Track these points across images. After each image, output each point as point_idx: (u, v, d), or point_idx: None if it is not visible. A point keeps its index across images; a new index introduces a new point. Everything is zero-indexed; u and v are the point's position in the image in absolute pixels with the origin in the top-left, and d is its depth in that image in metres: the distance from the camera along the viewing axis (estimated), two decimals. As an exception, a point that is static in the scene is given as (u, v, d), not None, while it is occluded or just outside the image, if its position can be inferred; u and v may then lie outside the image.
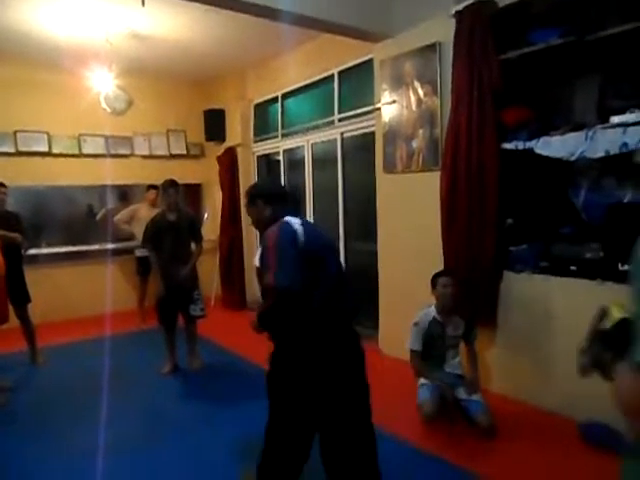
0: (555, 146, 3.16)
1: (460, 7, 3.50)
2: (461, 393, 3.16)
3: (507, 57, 3.39)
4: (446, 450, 2.83)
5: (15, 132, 5.87)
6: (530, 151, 3.29)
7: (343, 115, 5.11)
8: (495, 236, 3.45)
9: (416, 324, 3.29)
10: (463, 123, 3.48)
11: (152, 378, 4.17)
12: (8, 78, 5.76)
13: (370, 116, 4.64)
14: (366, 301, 4.61)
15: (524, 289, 3.41)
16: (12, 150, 5.84)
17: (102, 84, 5.49)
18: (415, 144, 4.06)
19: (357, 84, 4.99)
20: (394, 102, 4.22)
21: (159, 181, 6.35)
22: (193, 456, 2.87)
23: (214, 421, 3.33)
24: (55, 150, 6.13)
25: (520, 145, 3.34)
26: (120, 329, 5.52)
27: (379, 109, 4.39)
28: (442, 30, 3.72)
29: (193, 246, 4.35)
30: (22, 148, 5.90)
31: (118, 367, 4.24)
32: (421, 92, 3.97)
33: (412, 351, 3.29)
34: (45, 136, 6.06)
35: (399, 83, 4.16)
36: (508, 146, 3.42)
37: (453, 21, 3.56)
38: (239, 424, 3.21)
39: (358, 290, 4.33)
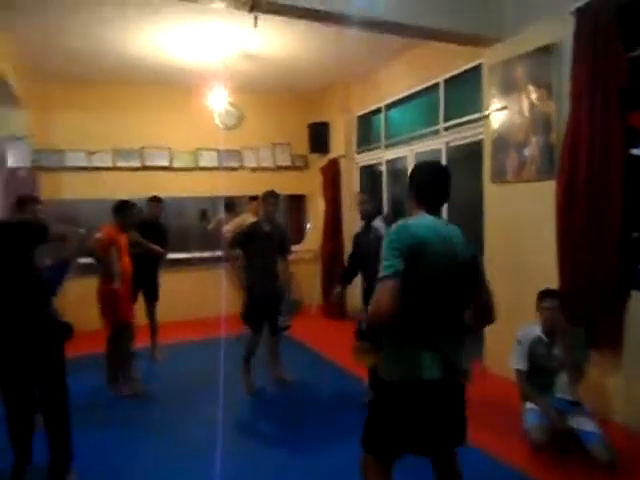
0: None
1: (581, 3, 3.25)
2: (574, 422, 2.88)
3: (638, 54, 3.07)
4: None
5: (141, 148, 6.48)
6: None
7: (449, 124, 4.96)
8: (619, 252, 3.12)
9: (519, 342, 3.09)
10: (584, 128, 3.21)
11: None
12: (136, 100, 6.40)
13: (477, 124, 4.46)
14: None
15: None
16: (139, 164, 6.45)
17: (217, 102, 5.88)
18: (527, 152, 3.82)
19: (463, 92, 4.83)
20: (505, 108, 4.01)
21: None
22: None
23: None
24: (175, 164, 6.66)
25: (652, 151, 3.00)
26: (231, 331, 5.80)
27: (488, 116, 4.20)
28: (558, 30, 3.48)
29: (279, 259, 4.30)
30: (147, 163, 6.50)
31: (227, 368, 4.43)
32: (534, 97, 3.73)
33: (517, 370, 3.08)
34: (167, 152, 6.61)
35: (510, 88, 3.95)
36: (637, 152, 3.09)
37: (571, 19, 3.31)
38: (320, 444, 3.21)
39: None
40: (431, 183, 1.93)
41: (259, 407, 3.90)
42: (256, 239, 4.09)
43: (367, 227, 3.82)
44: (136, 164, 6.45)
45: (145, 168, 6.47)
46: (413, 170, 2.02)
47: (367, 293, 4.12)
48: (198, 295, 6.54)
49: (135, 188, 5.88)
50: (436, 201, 1.93)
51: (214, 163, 6.84)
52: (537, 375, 3.05)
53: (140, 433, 3.40)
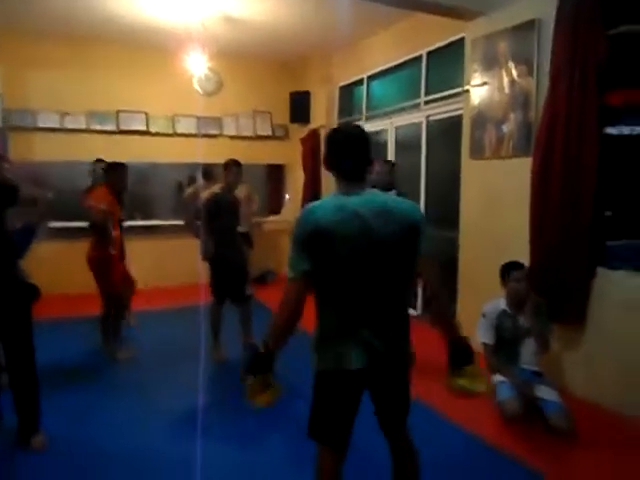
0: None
1: (565, -21, 3.23)
2: (538, 391, 2.97)
3: (618, 32, 3.08)
4: (523, 452, 2.68)
5: (117, 112, 6.30)
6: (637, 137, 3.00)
7: (430, 98, 4.94)
8: (590, 229, 3.19)
9: (484, 315, 3.14)
10: (561, 105, 3.23)
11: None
12: (111, 61, 6.19)
13: (458, 99, 4.45)
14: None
15: (620, 288, 3.13)
16: (114, 129, 6.28)
17: (196, 66, 5.72)
18: (506, 128, 3.84)
19: (445, 66, 4.80)
20: (485, 84, 4.01)
21: (244, 161, 6.63)
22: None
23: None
24: (152, 129, 6.51)
25: (626, 130, 3.04)
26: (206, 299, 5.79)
27: (468, 91, 4.19)
28: (541, 6, 3.47)
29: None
30: (123, 127, 6.33)
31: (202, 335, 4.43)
32: (515, 73, 3.73)
33: (484, 344, 3.13)
34: (144, 116, 6.45)
35: (491, 64, 3.94)
36: (612, 131, 3.13)
37: (556, -5, 3.29)
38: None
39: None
40: (346, 152, 1.70)
41: (232, 374, 3.94)
42: (219, 210, 4.00)
43: None
44: (111, 128, 6.28)
45: (121, 132, 6.31)
46: (327, 137, 1.77)
47: None
48: (173, 262, 6.47)
49: (110, 152, 5.71)
50: (354, 172, 1.70)
51: (192, 130, 6.71)
52: (503, 347, 3.13)
53: (116, 397, 3.40)
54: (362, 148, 1.71)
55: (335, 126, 1.79)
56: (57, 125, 6.04)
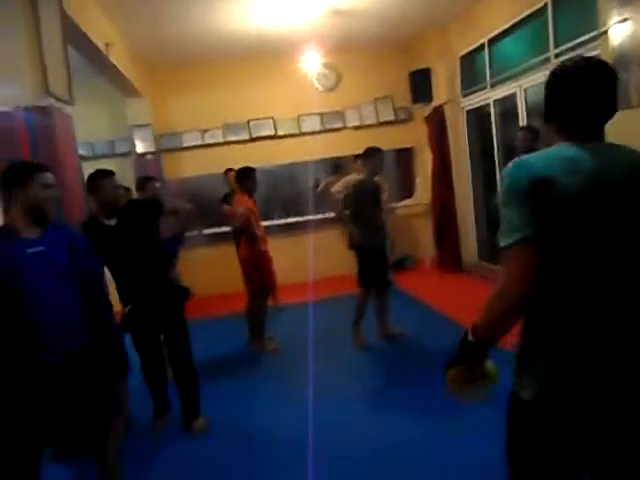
0: None
1: None
2: None
3: None
4: None
5: (248, 121, 6.77)
6: None
7: (560, 49, 4.42)
8: None
9: None
10: None
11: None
12: (237, 74, 6.68)
13: (594, 44, 3.92)
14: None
15: None
16: (247, 137, 6.77)
17: (312, 64, 5.90)
18: (656, 68, 3.28)
19: (575, 10, 4.25)
20: (625, 20, 3.47)
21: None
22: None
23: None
24: (279, 132, 6.86)
25: None
26: (338, 292, 5.97)
27: (606, 32, 3.67)
28: None
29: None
30: (254, 134, 6.79)
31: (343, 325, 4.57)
32: (662, 1, 3.16)
33: None
34: (271, 121, 6.83)
35: (630, -4, 3.39)
36: None
37: None
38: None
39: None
40: (580, 95, 1.20)
41: (369, 361, 4.01)
42: (363, 197, 4.12)
43: None
44: (244, 137, 6.77)
45: (252, 139, 6.77)
46: (550, 79, 1.28)
47: None
48: (312, 257, 6.71)
49: (243, 160, 6.18)
50: (588, 125, 1.23)
51: (316, 127, 6.93)
52: None
53: (262, 384, 3.70)
54: (604, 88, 1.22)
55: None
56: (199, 142, 6.71)
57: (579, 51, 4.16)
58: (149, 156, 6.37)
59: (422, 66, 6.66)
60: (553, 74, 1.28)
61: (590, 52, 4.01)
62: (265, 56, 6.43)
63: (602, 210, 1.14)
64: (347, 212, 4.28)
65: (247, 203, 4.21)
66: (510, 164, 1.22)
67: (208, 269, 6.32)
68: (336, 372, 3.73)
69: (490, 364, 1.30)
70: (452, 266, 6.39)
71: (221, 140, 6.76)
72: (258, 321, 4.40)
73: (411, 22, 6.02)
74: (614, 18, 3.57)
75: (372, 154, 4.16)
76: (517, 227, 1.14)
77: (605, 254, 1.15)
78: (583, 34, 4.05)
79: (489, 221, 6.23)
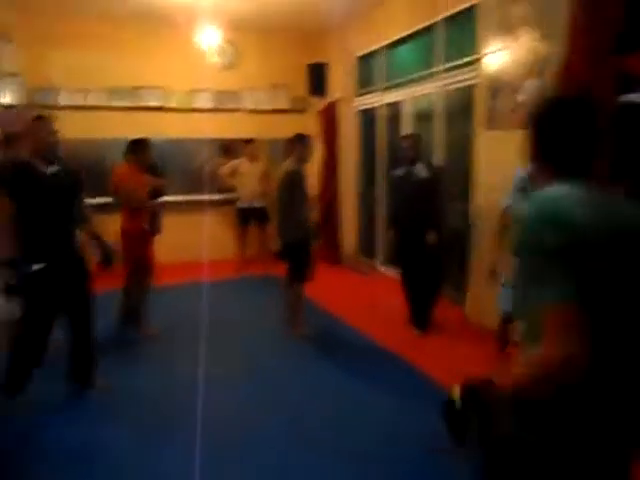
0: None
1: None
2: None
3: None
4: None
5: (135, 88, 6.36)
6: (656, 105, 2.83)
7: (446, 66, 4.77)
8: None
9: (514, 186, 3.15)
10: (575, 72, 3.07)
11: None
12: (128, 38, 6.22)
13: (473, 67, 4.29)
14: (455, 263, 4.43)
15: None
16: (133, 104, 6.35)
17: (210, 39, 5.70)
18: (521, 96, 3.69)
19: (461, 32, 4.60)
20: (499, 50, 3.84)
21: (262, 135, 6.63)
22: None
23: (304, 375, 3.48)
24: (170, 105, 6.55)
25: (643, 98, 2.88)
26: (225, 275, 5.91)
27: (482, 59, 4.04)
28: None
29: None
30: (141, 103, 6.40)
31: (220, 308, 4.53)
32: (530, 38, 3.56)
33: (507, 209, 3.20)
34: (161, 91, 6.49)
35: (505, 30, 3.76)
36: (630, 98, 2.96)
37: (574, -47, 3.09)
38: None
39: (448, 251, 4.21)
40: (575, 134, 1.15)
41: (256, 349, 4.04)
42: (301, 186, 3.92)
43: (409, 171, 3.97)
44: (130, 103, 6.35)
45: (139, 108, 6.38)
46: (541, 112, 1.22)
47: (402, 246, 4.15)
48: (192, 238, 6.50)
49: (129, 128, 5.81)
50: (582, 167, 1.16)
51: (210, 104, 6.72)
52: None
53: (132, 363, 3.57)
54: (595, 129, 1.17)
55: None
56: (80, 102, 6.15)
57: (461, 71, 4.54)
58: (16, 110, 5.70)
59: (321, 60, 6.77)
60: (547, 111, 1.21)
61: (470, 74, 4.39)
62: (159, 22, 6.06)
63: (628, 257, 1.08)
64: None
65: (131, 176, 3.98)
66: (537, 204, 1.10)
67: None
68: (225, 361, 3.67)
69: None
70: (332, 258, 6.63)
71: (105, 104, 6.26)
72: (136, 302, 4.16)
73: (315, 15, 6.08)
74: (489, 47, 3.95)
75: (300, 140, 4.01)
76: (557, 284, 1.02)
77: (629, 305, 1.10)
78: (465, 57, 4.41)
79: (369, 218, 6.55)
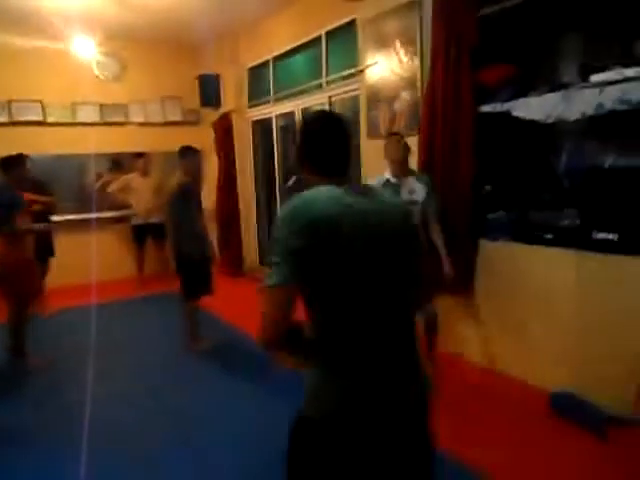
0: (533, 108, 3.01)
1: (438, -40, 3.30)
2: None
3: (488, 12, 3.21)
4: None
5: (9, 102, 5.89)
6: (509, 113, 3.15)
7: (330, 78, 4.95)
8: (471, 204, 3.35)
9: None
10: (439, 85, 3.34)
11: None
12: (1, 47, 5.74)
13: (356, 79, 4.49)
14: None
15: (500, 257, 3.33)
16: (6, 120, 5.87)
17: (86, 51, 5.44)
18: (397, 107, 3.93)
19: (344, 46, 4.80)
20: (376, 64, 4.06)
21: (155, 149, 6.44)
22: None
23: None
24: (49, 119, 6.14)
25: (498, 107, 3.19)
26: (123, 295, 5.66)
27: (362, 71, 4.24)
28: (422, -15, 3.53)
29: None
30: (17, 118, 5.94)
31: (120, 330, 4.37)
32: (402, 53, 3.81)
33: None
34: (39, 105, 6.07)
35: (382, 44, 3.99)
36: (486, 109, 3.28)
37: (432, -25, 3.37)
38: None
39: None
40: (326, 142, 1.36)
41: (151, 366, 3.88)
42: (189, 198, 3.85)
43: (298, 179, 3.90)
44: (4, 119, 5.87)
45: (14, 123, 5.91)
46: (301, 126, 1.44)
47: None
48: (83, 258, 6.15)
49: (4, 145, 5.37)
50: (338, 167, 1.36)
51: (95, 118, 6.40)
52: None
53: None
54: (346, 137, 1.40)
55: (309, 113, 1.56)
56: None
57: (345, 83, 4.73)
58: None
59: (213, 71, 6.71)
60: (306, 123, 1.45)
61: (353, 85, 4.59)
62: (32, 31, 5.67)
63: (369, 247, 1.24)
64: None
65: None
66: (289, 205, 1.24)
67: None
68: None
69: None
70: (234, 270, 6.57)
71: (-29, 119, 5.74)
72: (20, 332, 3.83)
73: (202, 26, 6.01)
74: (368, 60, 4.16)
75: (185, 153, 3.94)
76: (284, 270, 1.18)
77: (376, 287, 1.26)
78: (349, 69, 4.61)
79: (270, 226, 6.59)
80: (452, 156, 3.33)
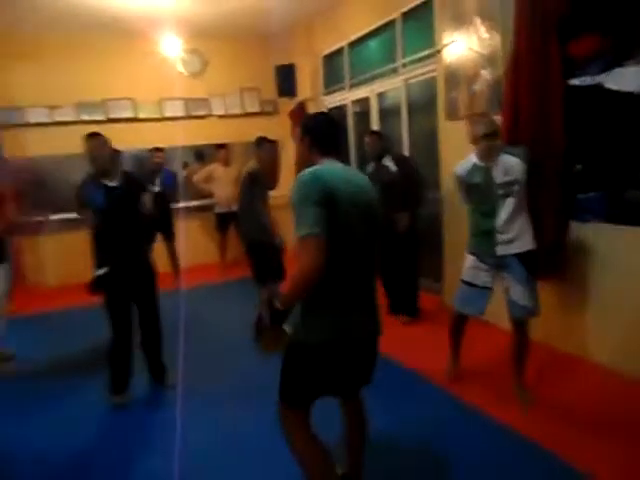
0: (628, 79, 2.81)
1: None
2: (507, 282, 2.78)
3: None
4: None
5: (104, 101, 6.37)
6: (601, 86, 2.96)
7: (406, 60, 4.88)
8: (561, 184, 3.19)
9: (455, 174, 2.91)
10: (524, 59, 3.19)
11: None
12: (95, 51, 6.21)
13: (433, 60, 4.40)
14: (428, 251, 4.53)
15: (592, 240, 3.15)
16: (102, 117, 6.35)
17: (173, 48, 5.73)
18: (477, 87, 3.81)
19: (420, 27, 4.71)
20: (454, 42, 3.95)
21: (234, 139, 6.69)
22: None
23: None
24: (140, 115, 6.57)
25: (588, 80, 3.00)
26: (207, 280, 5.97)
27: (440, 52, 4.14)
28: (504, -43, 3.38)
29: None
30: (111, 115, 6.40)
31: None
32: (482, 30, 3.67)
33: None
34: (130, 103, 6.50)
35: (460, 22, 3.87)
36: (575, 82, 3.09)
37: (516, -55, 3.21)
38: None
39: (421, 240, 4.30)
40: (328, 130, 1.88)
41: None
42: (258, 187, 4.01)
43: (378, 167, 4.08)
44: (100, 117, 6.35)
45: (110, 120, 6.38)
46: (309, 121, 1.97)
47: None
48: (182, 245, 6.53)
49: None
50: (336, 148, 1.89)
51: (180, 112, 6.75)
52: (478, 206, 2.85)
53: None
54: (338, 129, 1.95)
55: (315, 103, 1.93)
56: (46, 119, 6.14)
57: (421, 64, 4.64)
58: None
59: (288, 61, 6.84)
60: (314, 118, 2.00)
61: (430, 67, 4.50)
62: (124, 34, 6.06)
63: (358, 208, 1.73)
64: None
65: None
66: (305, 175, 1.68)
67: (60, 258, 5.92)
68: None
69: (287, 326, 1.73)
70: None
71: (73, 119, 6.26)
72: None
73: (278, 17, 6.14)
74: (447, 39, 4.05)
75: (260, 143, 4.08)
76: (312, 221, 1.59)
77: (360, 239, 1.74)
78: (424, 50, 4.52)
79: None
80: (540, 134, 3.17)
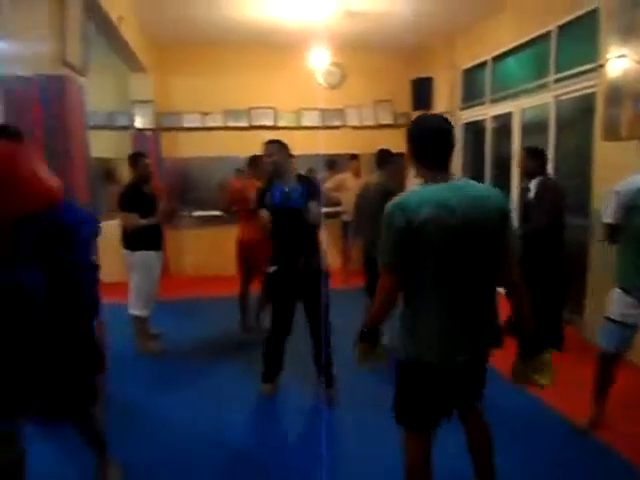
0: None
1: None
2: None
3: None
4: None
5: (249, 109, 6.84)
6: None
7: (559, 76, 4.60)
8: None
9: (617, 192, 2.58)
10: None
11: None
12: (243, 62, 6.72)
13: (590, 76, 4.10)
14: (569, 281, 4.19)
15: None
16: (246, 124, 6.84)
17: (320, 61, 5.99)
18: (644, 105, 3.47)
19: (577, 40, 4.42)
20: (623, 56, 3.65)
21: (366, 150, 6.80)
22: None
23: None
24: (280, 123, 6.95)
25: None
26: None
27: (603, 66, 3.85)
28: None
29: None
30: (254, 122, 6.87)
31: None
32: (658, 43, 3.35)
33: (607, 225, 2.65)
34: (272, 111, 6.92)
35: (631, 34, 3.57)
36: None
37: None
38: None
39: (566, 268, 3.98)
40: (432, 138, 1.72)
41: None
42: (370, 202, 3.94)
43: (523, 188, 3.98)
44: (244, 124, 6.84)
45: (252, 127, 6.84)
46: (411, 126, 1.82)
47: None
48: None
49: (243, 146, 6.27)
50: (440, 159, 1.72)
51: (316, 122, 7.03)
52: (633, 237, 2.53)
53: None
54: (449, 136, 1.74)
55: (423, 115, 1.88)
56: (199, 124, 6.77)
57: (576, 80, 4.35)
58: (148, 132, 6.42)
59: (425, 75, 6.80)
60: (416, 124, 1.82)
61: (586, 82, 4.20)
62: (272, 47, 6.49)
63: (448, 240, 1.65)
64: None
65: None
66: (390, 206, 1.69)
67: (198, 250, 6.46)
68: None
69: (384, 339, 1.88)
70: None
71: (221, 124, 6.82)
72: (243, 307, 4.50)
73: (418, 31, 6.15)
74: (612, 53, 3.75)
75: (387, 157, 4.05)
76: (392, 256, 1.69)
77: (456, 258, 1.67)
78: (582, 64, 4.23)
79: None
80: None
